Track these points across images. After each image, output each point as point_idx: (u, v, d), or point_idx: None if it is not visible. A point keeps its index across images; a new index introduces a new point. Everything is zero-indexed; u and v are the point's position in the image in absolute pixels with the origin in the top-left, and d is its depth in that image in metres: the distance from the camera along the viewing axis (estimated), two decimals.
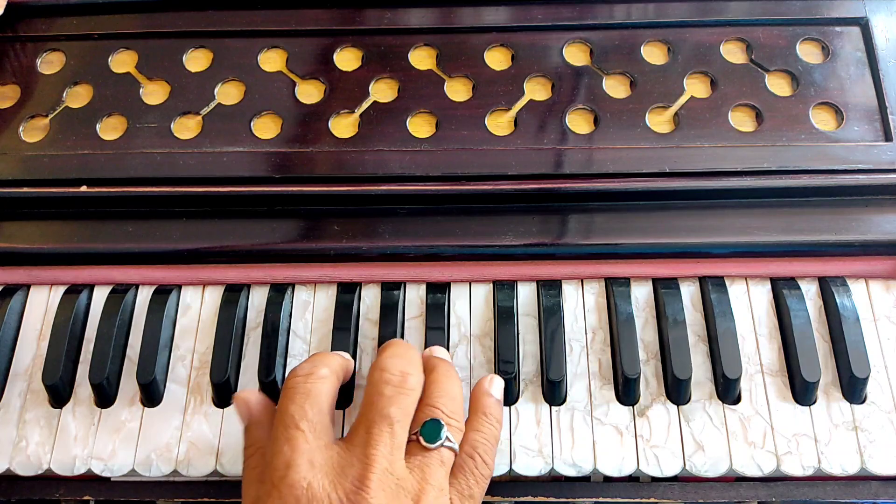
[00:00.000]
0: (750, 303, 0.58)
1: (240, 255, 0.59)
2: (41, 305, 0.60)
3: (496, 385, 0.53)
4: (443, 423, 0.47)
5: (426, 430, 0.47)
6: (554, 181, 0.59)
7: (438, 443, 0.47)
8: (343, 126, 0.62)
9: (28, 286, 0.61)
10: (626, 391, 0.55)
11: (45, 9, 0.68)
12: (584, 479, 0.56)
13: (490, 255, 0.58)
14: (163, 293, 0.60)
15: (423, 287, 0.60)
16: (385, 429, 0.46)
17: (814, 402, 0.55)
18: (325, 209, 0.59)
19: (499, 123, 0.62)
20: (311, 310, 0.60)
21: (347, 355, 0.55)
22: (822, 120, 0.61)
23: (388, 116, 0.62)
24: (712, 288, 0.58)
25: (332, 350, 0.57)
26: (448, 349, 0.57)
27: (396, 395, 0.47)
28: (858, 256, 0.58)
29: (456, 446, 0.48)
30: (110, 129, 0.63)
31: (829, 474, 0.53)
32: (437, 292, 0.59)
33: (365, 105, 0.63)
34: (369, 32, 0.66)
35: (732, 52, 0.65)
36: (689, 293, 0.59)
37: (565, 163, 0.59)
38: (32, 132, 0.63)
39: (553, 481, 0.56)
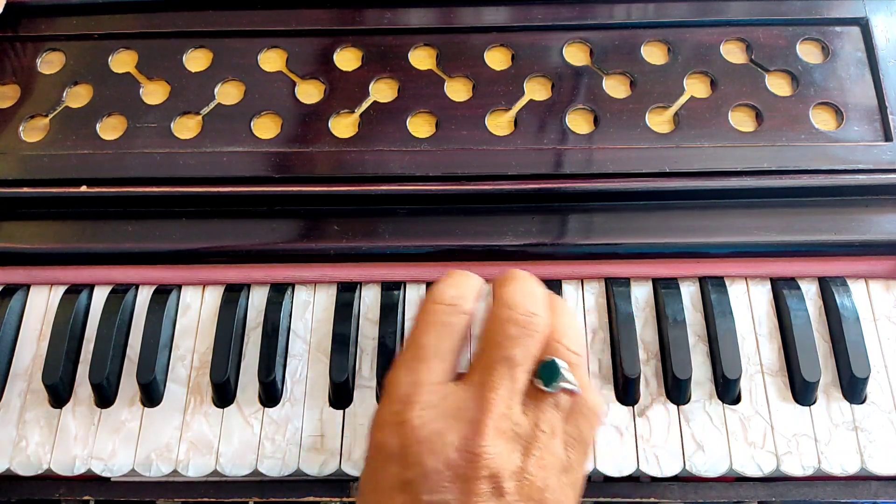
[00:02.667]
0: (750, 303, 0.58)
1: (240, 255, 0.59)
2: (41, 305, 0.60)
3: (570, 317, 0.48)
4: (559, 364, 0.44)
5: (544, 373, 0.44)
6: (554, 181, 0.59)
7: (554, 386, 0.43)
8: (343, 126, 0.62)
9: (28, 286, 0.61)
10: (626, 391, 0.55)
11: (45, 9, 0.68)
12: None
13: (490, 255, 0.58)
14: (163, 293, 0.60)
15: (423, 287, 0.60)
16: (505, 372, 0.43)
17: (814, 402, 0.55)
18: (325, 209, 0.59)
19: (499, 123, 0.62)
20: (311, 310, 0.60)
21: (480, 280, 0.50)
22: (822, 120, 0.61)
23: (388, 116, 0.62)
24: (712, 288, 0.58)
25: (330, 350, 0.57)
26: None
27: (522, 336, 0.44)
28: (858, 256, 0.58)
29: (575, 388, 0.44)
30: (110, 128, 0.63)
31: (829, 474, 0.53)
32: None
33: (365, 105, 0.63)
34: (369, 32, 0.66)
35: (732, 52, 0.65)
36: (689, 293, 0.59)
37: (565, 163, 0.59)
38: (32, 132, 0.63)
39: None
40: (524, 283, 0.47)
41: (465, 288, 0.47)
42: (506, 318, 0.45)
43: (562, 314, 0.46)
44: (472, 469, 0.40)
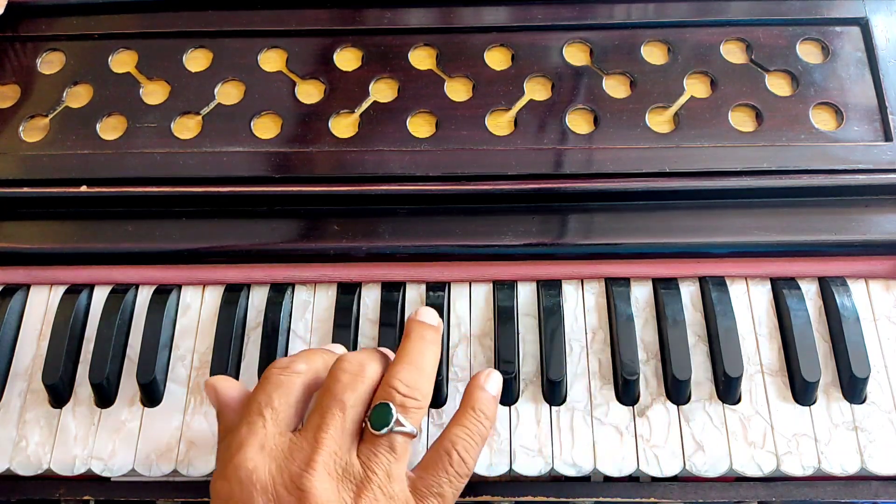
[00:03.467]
0: (750, 303, 0.58)
1: (240, 255, 0.59)
2: (41, 305, 0.60)
3: (493, 380, 0.51)
4: (393, 406, 0.46)
5: (374, 416, 0.46)
6: (554, 181, 0.59)
7: (386, 429, 0.45)
8: (343, 126, 0.62)
9: (28, 286, 0.61)
10: (626, 391, 0.55)
11: (45, 9, 0.68)
12: (584, 479, 0.56)
13: (490, 255, 0.58)
14: (163, 293, 0.60)
15: (423, 287, 0.60)
16: (337, 413, 0.45)
17: (814, 402, 0.55)
18: (324, 209, 0.59)
19: (499, 123, 0.62)
20: (311, 310, 0.60)
21: (338, 350, 0.53)
22: (822, 120, 0.61)
23: (388, 116, 0.62)
24: (713, 287, 0.58)
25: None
26: (448, 349, 0.57)
27: (352, 381, 0.47)
28: (858, 256, 0.58)
29: (410, 429, 0.46)
30: (110, 128, 0.63)
31: (829, 474, 0.53)
32: (437, 292, 0.59)
33: (365, 105, 0.63)
34: (369, 32, 0.66)
35: (732, 52, 0.65)
36: (689, 293, 0.59)
37: (565, 163, 0.59)
38: (32, 132, 0.63)
39: (553, 481, 0.56)
40: (361, 352, 0.50)
41: (301, 356, 0.50)
42: (337, 368, 0.48)
43: (404, 362, 0.49)
44: None
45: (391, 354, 0.52)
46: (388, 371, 0.48)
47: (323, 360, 0.50)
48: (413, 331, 0.51)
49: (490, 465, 0.54)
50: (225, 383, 0.51)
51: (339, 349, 0.54)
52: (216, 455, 0.50)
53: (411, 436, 0.46)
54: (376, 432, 0.45)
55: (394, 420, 0.45)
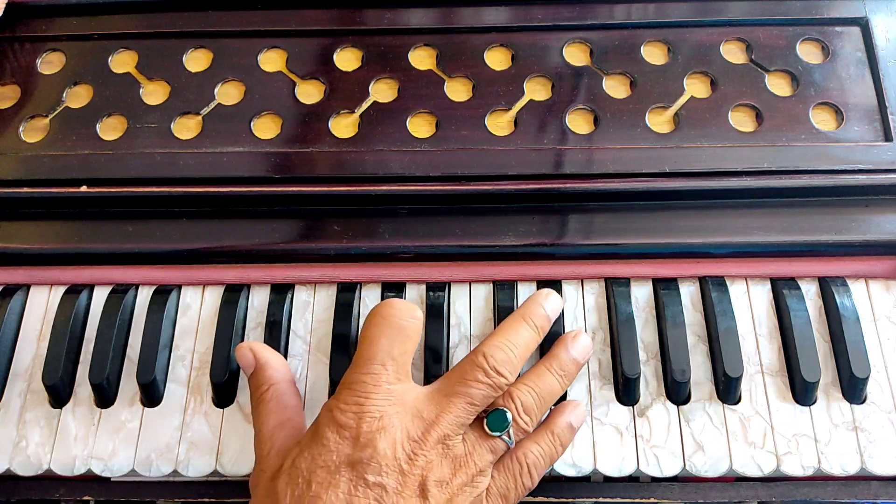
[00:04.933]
0: (750, 303, 0.58)
1: (240, 255, 0.59)
2: (41, 305, 0.60)
3: (577, 415, 0.53)
4: (510, 418, 0.49)
5: (492, 419, 0.49)
6: (554, 181, 0.59)
7: (498, 434, 0.49)
8: (343, 126, 0.62)
9: (28, 286, 0.61)
10: (626, 391, 0.55)
11: (45, 9, 0.68)
12: (584, 479, 0.56)
13: (490, 255, 0.58)
14: (163, 293, 0.60)
15: (423, 287, 0.60)
16: (463, 406, 0.48)
17: (814, 402, 0.55)
18: (325, 209, 0.59)
19: (499, 123, 0.62)
20: (311, 310, 0.60)
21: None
22: (822, 120, 0.61)
23: (388, 116, 0.62)
24: (713, 287, 0.58)
25: (330, 350, 0.57)
26: (448, 349, 0.57)
27: (487, 386, 0.49)
28: (858, 256, 0.58)
29: (511, 441, 0.49)
30: (110, 129, 0.63)
31: (829, 474, 0.53)
32: (437, 292, 0.59)
33: (365, 105, 0.63)
34: (369, 32, 0.66)
35: (732, 52, 0.65)
36: (689, 293, 0.59)
37: (565, 163, 0.59)
38: (32, 132, 0.63)
39: (553, 481, 0.56)
40: (511, 338, 0.51)
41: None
42: (478, 364, 0.50)
43: (532, 385, 0.51)
44: (410, 466, 0.46)
45: (534, 343, 0.54)
46: (518, 384, 0.51)
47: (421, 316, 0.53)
48: (556, 355, 0.53)
49: None
50: (263, 349, 0.54)
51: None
52: (259, 409, 0.52)
53: (508, 448, 0.50)
54: (490, 432, 0.49)
55: (506, 430, 0.49)
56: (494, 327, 0.57)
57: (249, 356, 0.53)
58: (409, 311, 0.51)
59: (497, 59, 0.65)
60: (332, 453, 0.46)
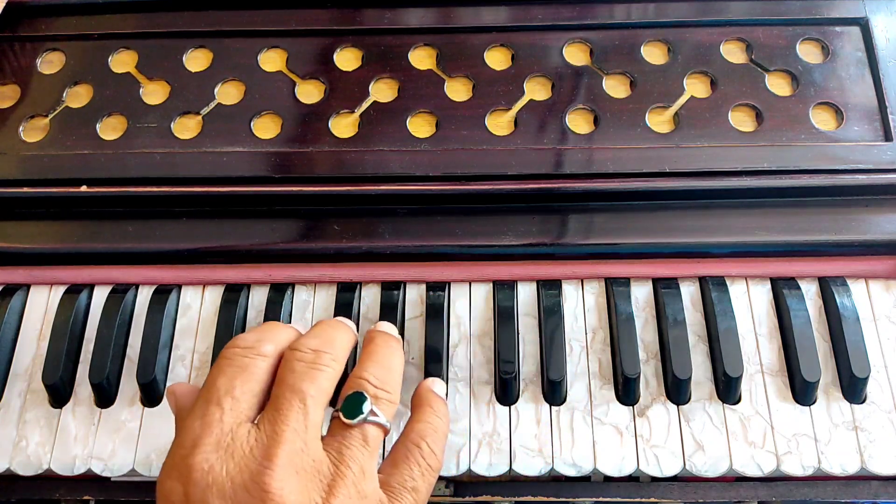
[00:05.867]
0: (750, 303, 0.58)
1: (240, 255, 0.59)
2: (41, 305, 0.60)
3: (438, 385, 0.51)
4: (366, 395, 0.44)
5: (346, 404, 0.43)
6: (554, 181, 0.59)
7: (360, 417, 0.43)
8: (343, 126, 0.62)
9: (28, 286, 0.61)
10: (626, 391, 0.55)
11: (45, 9, 0.68)
12: (584, 479, 0.56)
13: (490, 255, 0.58)
14: (163, 293, 0.60)
15: (423, 287, 0.60)
16: (296, 404, 0.42)
17: (814, 402, 0.55)
18: (324, 209, 0.59)
19: (499, 123, 0.62)
20: (311, 310, 0.60)
21: (297, 328, 0.50)
22: (822, 120, 0.61)
23: (388, 116, 0.62)
24: (713, 287, 0.58)
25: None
26: (448, 349, 0.57)
27: (308, 370, 0.44)
28: (858, 256, 0.58)
29: (384, 421, 0.43)
30: (110, 129, 0.63)
31: (829, 474, 0.53)
32: (437, 292, 0.59)
33: (365, 105, 0.63)
34: (369, 32, 0.66)
35: (732, 52, 0.65)
36: (689, 293, 0.59)
37: (565, 163, 0.59)
38: (32, 132, 0.63)
39: (553, 481, 0.56)
40: (318, 328, 0.47)
41: (267, 333, 0.47)
42: (289, 357, 0.45)
43: (373, 359, 0.47)
44: None
45: (344, 331, 0.49)
46: (357, 367, 0.47)
47: (288, 337, 0.47)
48: (378, 336, 0.49)
49: (490, 464, 0.54)
50: (182, 388, 0.47)
51: (293, 330, 0.50)
52: (170, 451, 0.44)
53: (384, 430, 0.44)
54: (349, 421, 0.43)
55: (368, 410, 0.43)
56: (494, 327, 0.57)
57: (172, 401, 0.47)
58: (255, 347, 0.45)
59: (497, 59, 0.65)
60: None
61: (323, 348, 0.45)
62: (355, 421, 0.43)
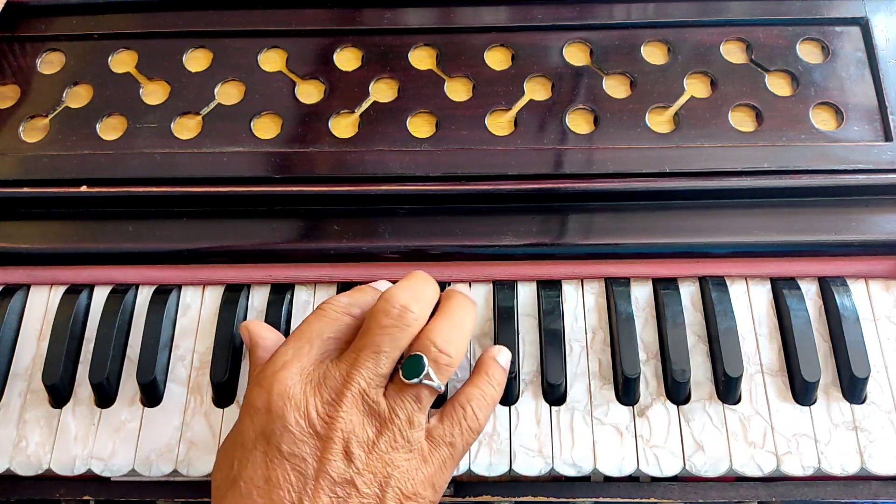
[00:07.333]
0: (750, 303, 0.58)
1: (240, 255, 0.59)
2: (41, 305, 0.60)
3: (503, 355, 0.53)
4: (426, 360, 0.48)
5: (406, 366, 0.48)
6: (554, 181, 0.59)
7: (416, 380, 0.47)
8: (343, 126, 0.62)
9: (28, 286, 0.61)
10: (626, 391, 0.55)
11: (45, 9, 0.68)
12: (584, 479, 0.56)
13: (490, 255, 0.58)
14: (163, 293, 0.60)
15: None
16: (371, 355, 0.47)
17: (814, 402, 0.55)
18: (325, 209, 0.59)
19: (499, 123, 0.62)
20: (311, 310, 0.59)
21: (384, 287, 0.54)
22: (822, 120, 0.61)
23: (388, 116, 0.62)
24: (713, 287, 0.58)
25: None
26: None
27: (391, 327, 0.48)
28: (858, 256, 0.58)
29: (438, 385, 0.48)
30: (110, 129, 0.63)
31: (829, 474, 0.53)
32: None
33: (365, 105, 0.63)
34: (369, 32, 0.66)
35: (732, 52, 0.65)
36: (689, 293, 0.59)
37: (565, 163, 0.59)
38: (32, 132, 0.63)
39: (553, 481, 0.56)
40: (413, 282, 0.51)
41: (359, 298, 0.52)
42: (380, 309, 0.49)
43: (446, 318, 0.50)
44: (328, 430, 0.45)
45: (433, 286, 0.53)
46: (430, 324, 0.50)
47: (371, 295, 0.53)
48: (455, 295, 0.53)
49: (490, 465, 0.54)
50: (259, 328, 0.54)
51: (385, 285, 0.55)
52: (251, 372, 0.52)
53: (437, 392, 0.48)
54: (406, 381, 0.47)
55: (424, 373, 0.47)
56: (495, 327, 0.57)
57: (245, 335, 0.54)
58: (347, 308, 0.51)
59: (497, 59, 0.65)
60: (246, 430, 0.46)
61: (410, 305, 0.49)
62: (411, 381, 0.47)
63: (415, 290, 0.50)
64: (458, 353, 0.49)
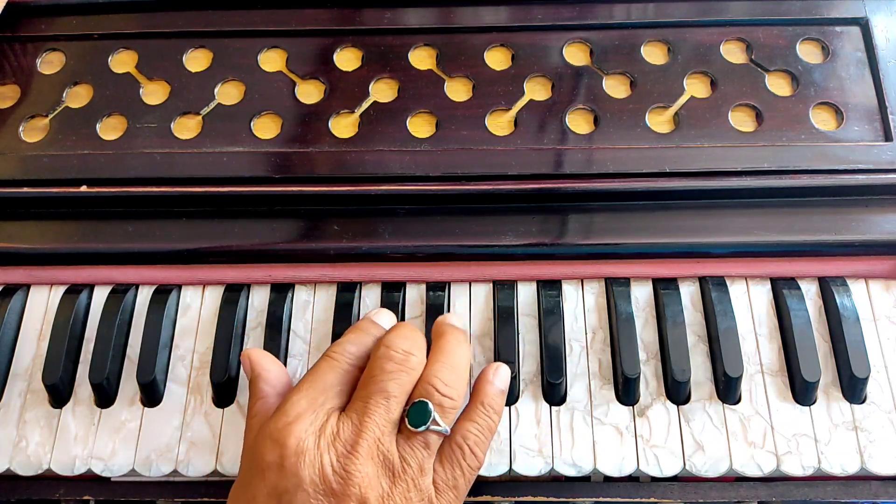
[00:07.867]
0: (750, 303, 0.58)
1: (240, 255, 0.59)
2: (41, 305, 0.60)
3: (501, 375, 0.52)
4: (430, 406, 0.48)
5: (412, 413, 0.48)
6: (554, 181, 0.59)
7: (423, 427, 0.47)
8: (343, 126, 0.62)
9: (28, 286, 0.61)
10: (626, 391, 0.55)
11: (45, 9, 0.68)
12: (584, 479, 0.56)
13: (490, 255, 0.58)
14: (163, 293, 0.60)
15: (423, 287, 0.60)
16: (381, 402, 0.47)
17: (814, 402, 0.55)
18: (324, 209, 0.59)
19: (499, 123, 0.62)
20: (311, 310, 0.60)
21: (384, 320, 0.55)
22: (822, 120, 0.61)
23: (388, 116, 0.62)
24: (713, 287, 0.58)
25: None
26: None
27: (397, 371, 0.49)
28: (858, 256, 0.58)
29: (444, 428, 0.48)
30: (110, 129, 0.63)
31: (829, 474, 0.53)
32: (437, 292, 0.59)
33: (365, 105, 0.63)
34: (369, 32, 0.66)
35: (732, 52, 0.65)
36: (689, 293, 0.59)
37: (565, 163, 0.59)
38: (32, 132, 0.63)
39: (553, 481, 0.56)
40: (405, 330, 0.52)
41: (362, 346, 0.52)
42: (384, 355, 0.50)
43: (443, 360, 0.51)
44: (343, 486, 0.45)
45: (422, 335, 0.53)
46: (428, 368, 0.50)
47: (373, 338, 0.53)
48: (448, 332, 0.53)
49: (490, 465, 0.54)
50: (262, 358, 0.53)
51: (385, 318, 0.55)
52: (248, 423, 0.51)
53: (444, 435, 0.49)
54: (413, 429, 0.47)
55: (431, 419, 0.48)
56: (495, 327, 0.57)
57: (247, 363, 0.53)
58: (353, 356, 0.51)
59: (497, 59, 0.65)
60: (257, 485, 0.46)
61: (412, 350, 0.50)
62: (419, 430, 0.48)
63: (411, 337, 0.51)
64: (460, 395, 0.50)
